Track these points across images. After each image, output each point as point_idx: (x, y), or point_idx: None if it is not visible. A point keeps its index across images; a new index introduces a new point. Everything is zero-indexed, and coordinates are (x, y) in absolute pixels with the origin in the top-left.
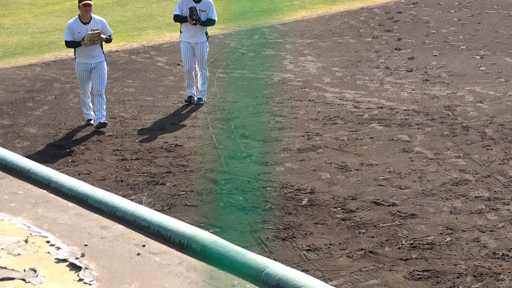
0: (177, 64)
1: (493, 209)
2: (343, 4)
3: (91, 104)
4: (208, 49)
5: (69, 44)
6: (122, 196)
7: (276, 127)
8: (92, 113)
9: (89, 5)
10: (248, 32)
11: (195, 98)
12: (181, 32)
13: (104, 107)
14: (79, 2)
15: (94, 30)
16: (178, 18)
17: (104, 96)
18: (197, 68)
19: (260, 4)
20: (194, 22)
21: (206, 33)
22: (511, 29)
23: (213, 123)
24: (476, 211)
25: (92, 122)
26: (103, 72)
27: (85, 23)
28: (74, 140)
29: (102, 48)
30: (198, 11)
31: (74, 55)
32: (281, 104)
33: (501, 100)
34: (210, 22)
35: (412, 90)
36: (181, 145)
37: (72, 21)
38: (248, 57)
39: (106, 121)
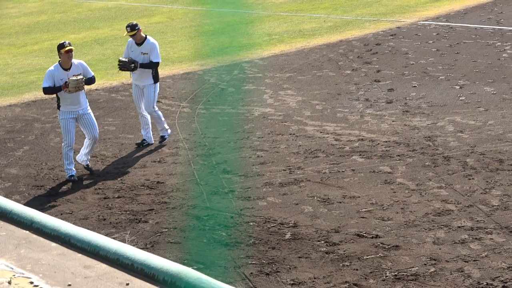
0: (157, 101)
1: (476, 238)
2: (321, 37)
3: (73, 159)
4: (157, 91)
5: (47, 90)
6: (105, 235)
7: (257, 162)
8: (74, 168)
9: (72, 51)
10: (228, 67)
11: (150, 141)
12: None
13: (92, 151)
14: (59, 49)
15: (77, 76)
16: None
17: (97, 140)
18: (144, 111)
19: (238, 39)
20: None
21: (154, 76)
22: (490, 58)
23: (194, 159)
24: (459, 241)
25: (74, 178)
26: (92, 118)
27: (66, 69)
28: (56, 179)
29: (85, 94)
30: (128, 61)
31: (58, 103)
32: (262, 139)
33: (481, 129)
34: (152, 65)
35: (393, 121)
36: (163, 182)
37: (52, 68)
38: (228, 92)
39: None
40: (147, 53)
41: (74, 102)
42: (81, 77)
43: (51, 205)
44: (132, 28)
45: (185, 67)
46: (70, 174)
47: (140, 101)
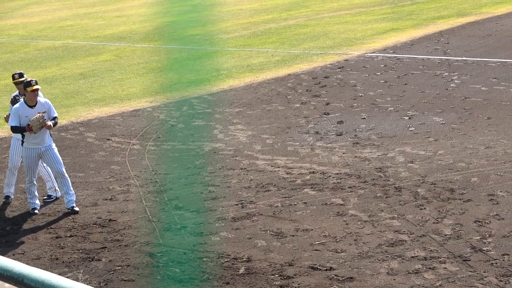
0: (107, 139)
1: (430, 268)
2: (269, 71)
3: (36, 193)
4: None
5: (15, 129)
6: (58, 274)
7: (209, 197)
8: (38, 201)
9: (38, 90)
10: (177, 103)
11: (12, 197)
12: (23, 141)
13: (71, 188)
14: (25, 87)
15: (40, 113)
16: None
17: (66, 175)
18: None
19: (187, 75)
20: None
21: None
22: (438, 88)
23: (146, 196)
24: (413, 271)
25: (36, 211)
26: (55, 154)
27: (31, 107)
28: (7, 219)
29: (49, 131)
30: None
31: (22, 139)
32: (213, 174)
33: (431, 159)
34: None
35: (343, 153)
36: (115, 220)
37: (18, 105)
38: (178, 128)
39: (78, 209)
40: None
41: (37, 140)
42: (42, 114)
43: (2, 245)
44: (21, 75)
45: (134, 104)
46: (33, 207)
47: (18, 158)
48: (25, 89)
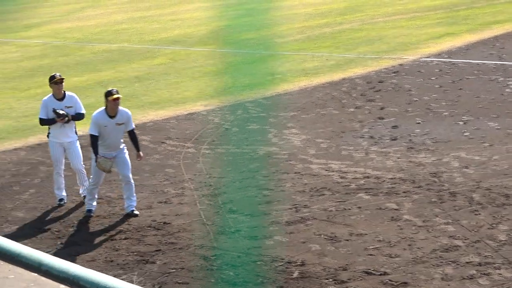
0: (162, 142)
1: (484, 274)
2: (324, 75)
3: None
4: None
5: (43, 122)
6: (113, 276)
7: (263, 201)
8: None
9: (119, 99)
10: (231, 107)
11: (65, 199)
12: (49, 133)
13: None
14: (106, 96)
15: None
16: (45, 122)
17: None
18: (74, 168)
19: (241, 79)
20: (62, 119)
21: (76, 132)
22: (493, 93)
23: (200, 200)
24: (467, 276)
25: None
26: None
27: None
28: (62, 222)
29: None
30: (60, 110)
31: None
32: (268, 178)
33: (486, 164)
34: (79, 116)
35: (398, 158)
36: (169, 223)
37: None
38: (232, 132)
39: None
40: (72, 106)
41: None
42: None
43: (58, 247)
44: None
45: (189, 107)
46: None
47: (61, 159)
48: (106, 98)
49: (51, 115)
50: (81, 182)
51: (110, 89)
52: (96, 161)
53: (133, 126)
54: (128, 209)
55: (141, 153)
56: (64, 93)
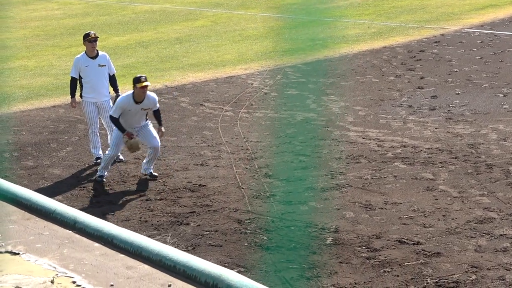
0: (200, 105)
1: None
2: (365, 43)
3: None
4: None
5: (73, 81)
6: (147, 237)
7: (299, 166)
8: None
9: (147, 86)
10: (271, 72)
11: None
12: (82, 92)
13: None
14: (134, 83)
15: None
16: (73, 82)
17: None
18: (107, 128)
19: (282, 44)
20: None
21: (108, 90)
22: None
23: (236, 163)
24: (501, 249)
25: (100, 161)
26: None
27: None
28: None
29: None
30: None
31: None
32: (304, 144)
33: None
34: (114, 78)
35: (435, 128)
36: (204, 185)
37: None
38: (271, 97)
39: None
40: (105, 65)
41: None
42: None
43: (93, 205)
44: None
45: (229, 70)
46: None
47: (96, 118)
48: (134, 84)
49: (83, 73)
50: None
51: (139, 75)
52: (125, 142)
53: (158, 107)
54: (147, 171)
55: (163, 128)
56: (97, 52)
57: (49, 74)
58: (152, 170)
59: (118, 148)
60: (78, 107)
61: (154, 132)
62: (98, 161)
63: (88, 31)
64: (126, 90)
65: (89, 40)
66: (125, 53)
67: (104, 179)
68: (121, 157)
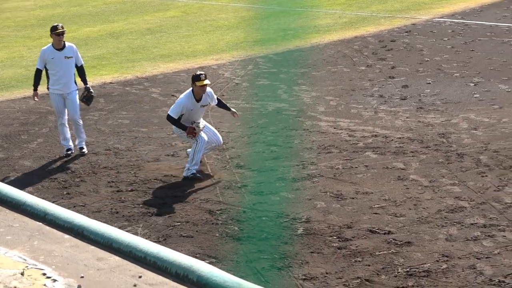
0: (172, 95)
1: (488, 235)
2: (336, 33)
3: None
4: (77, 96)
5: (38, 72)
6: (118, 228)
7: (271, 157)
8: (71, 143)
9: (63, 33)
10: (242, 62)
11: (73, 149)
12: (48, 84)
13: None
14: (193, 81)
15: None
16: (37, 74)
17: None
18: (72, 119)
19: (253, 34)
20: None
21: (75, 82)
22: (505, 56)
23: (207, 154)
24: (472, 238)
25: (70, 152)
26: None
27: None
28: (69, 172)
29: (75, 79)
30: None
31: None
32: (276, 134)
33: (495, 127)
34: (83, 69)
35: (407, 118)
36: (176, 176)
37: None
38: (242, 87)
39: (85, 150)
40: (71, 57)
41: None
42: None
43: (64, 197)
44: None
45: (200, 61)
46: (67, 148)
47: (63, 110)
48: (194, 83)
49: (49, 65)
50: (78, 134)
51: (198, 73)
52: (191, 133)
53: (217, 100)
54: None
55: (233, 109)
56: (64, 44)
57: (19, 66)
58: (83, 145)
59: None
60: (42, 99)
61: (213, 127)
62: (69, 152)
63: (56, 24)
64: (93, 80)
65: (57, 33)
66: (96, 44)
67: (198, 175)
68: (84, 150)
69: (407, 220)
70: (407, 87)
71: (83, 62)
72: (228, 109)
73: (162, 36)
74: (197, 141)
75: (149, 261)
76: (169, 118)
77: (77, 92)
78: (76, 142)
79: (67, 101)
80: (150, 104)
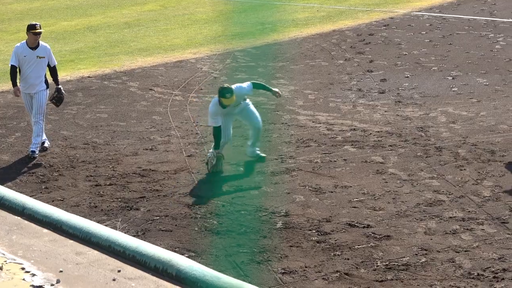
0: (150, 89)
1: (467, 229)
2: (314, 27)
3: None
4: (47, 97)
5: (13, 70)
6: (96, 222)
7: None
8: (45, 137)
9: (40, 33)
10: (220, 56)
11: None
12: (19, 80)
13: (39, 134)
14: (28, 29)
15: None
16: (13, 70)
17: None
18: (33, 118)
19: (231, 28)
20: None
21: (46, 81)
22: (482, 49)
23: (186, 148)
24: (450, 231)
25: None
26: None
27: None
28: (47, 166)
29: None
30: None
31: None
32: None
33: (473, 120)
34: (55, 70)
35: (385, 111)
36: (154, 170)
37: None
38: (220, 81)
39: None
40: (44, 57)
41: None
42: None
43: (42, 191)
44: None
45: (178, 55)
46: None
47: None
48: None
49: (20, 63)
50: (35, 136)
51: (223, 88)
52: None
53: (250, 90)
54: (253, 153)
55: (275, 89)
56: (38, 43)
57: None
58: (259, 152)
59: (226, 133)
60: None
61: (256, 111)
62: (44, 145)
63: (34, 23)
64: (71, 74)
65: (34, 33)
66: (74, 38)
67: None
68: (46, 144)
69: (386, 213)
70: (385, 81)
71: (56, 63)
72: (269, 89)
73: (140, 30)
74: (225, 137)
75: (128, 255)
76: (213, 128)
77: (46, 92)
78: (31, 145)
79: (34, 100)
80: (128, 98)
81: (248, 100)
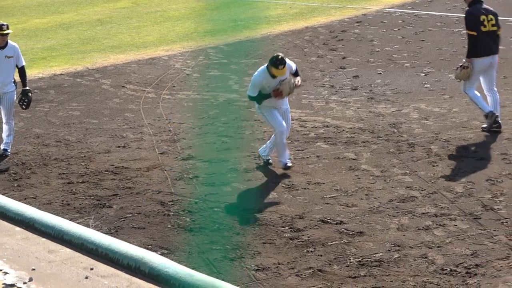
0: (122, 86)
1: (440, 225)
2: (287, 23)
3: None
4: (15, 97)
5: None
6: (69, 220)
7: (222, 148)
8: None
9: (8, 34)
10: (193, 53)
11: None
12: None
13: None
14: None
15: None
16: None
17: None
18: (4, 118)
19: (204, 25)
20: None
21: (14, 82)
22: (455, 46)
23: (159, 145)
24: (423, 227)
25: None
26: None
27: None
28: (20, 164)
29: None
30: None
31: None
32: (227, 125)
33: (446, 116)
34: (23, 70)
35: (358, 108)
36: (127, 168)
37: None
38: (193, 78)
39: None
40: (12, 56)
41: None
42: (293, 81)
43: (14, 189)
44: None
45: (150, 52)
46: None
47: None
48: (271, 67)
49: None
50: (7, 135)
51: (276, 58)
52: (277, 94)
53: (24, 63)
54: (266, 157)
55: (298, 78)
56: (7, 43)
57: None
58: (6, 147)
59: (280, 122)
60: None
61: (289, 119)
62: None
63: (2, 23)
64: (43, 72)
65: (1, 34)
66: (46, 35)
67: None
68: (8, 153)
69: (358, 210)
70: (358, 78)
71: (24, 63)
72: (296, 75)
73: (112, 27)
74: (278, 127)
75: (101, 253)
76: (250, 98)
77: (15, 92)
78: (2, 144)
79: (2, 101)
80: (100, 95)
81: (288, 107)
